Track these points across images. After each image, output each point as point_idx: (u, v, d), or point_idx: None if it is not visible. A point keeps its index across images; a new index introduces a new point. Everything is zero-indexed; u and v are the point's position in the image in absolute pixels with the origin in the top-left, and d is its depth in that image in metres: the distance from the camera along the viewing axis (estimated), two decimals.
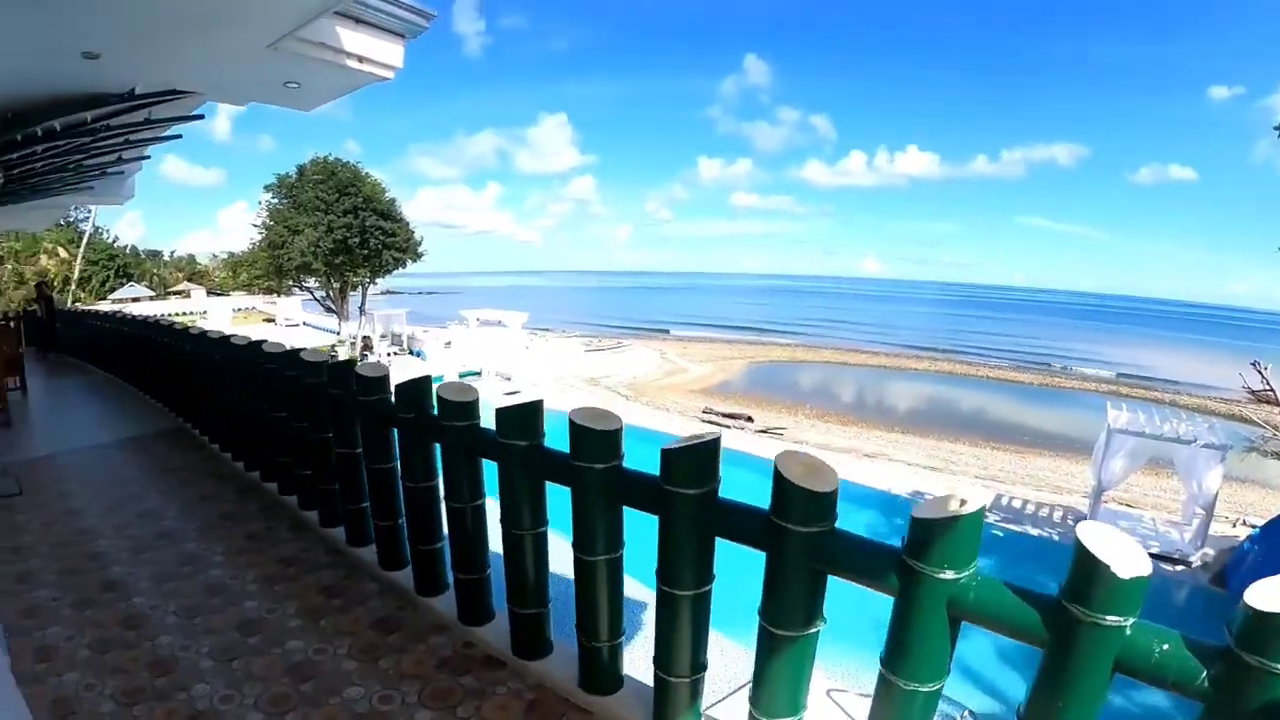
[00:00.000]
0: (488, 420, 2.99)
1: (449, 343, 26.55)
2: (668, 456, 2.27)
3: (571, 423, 2.51)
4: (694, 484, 2.24)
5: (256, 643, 3.23)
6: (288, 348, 4.68)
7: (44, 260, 39.93)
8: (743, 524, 2.18)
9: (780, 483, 1.98)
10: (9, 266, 36.33)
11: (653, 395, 24.34)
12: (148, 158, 9.46)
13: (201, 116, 6.87)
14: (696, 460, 2.23)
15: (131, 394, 10.29)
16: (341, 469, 4.13)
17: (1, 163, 6.73)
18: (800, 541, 1.99)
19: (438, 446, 3.26)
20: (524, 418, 2.82)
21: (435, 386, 3.22)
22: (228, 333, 6.08)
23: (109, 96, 5.61)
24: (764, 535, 2.08)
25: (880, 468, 14.24)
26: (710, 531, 2.30)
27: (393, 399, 3.55)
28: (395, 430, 3.59)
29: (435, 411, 3.20)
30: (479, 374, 22.91)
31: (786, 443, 16.68)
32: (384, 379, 3.69)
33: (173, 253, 64.50)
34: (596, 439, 2.49)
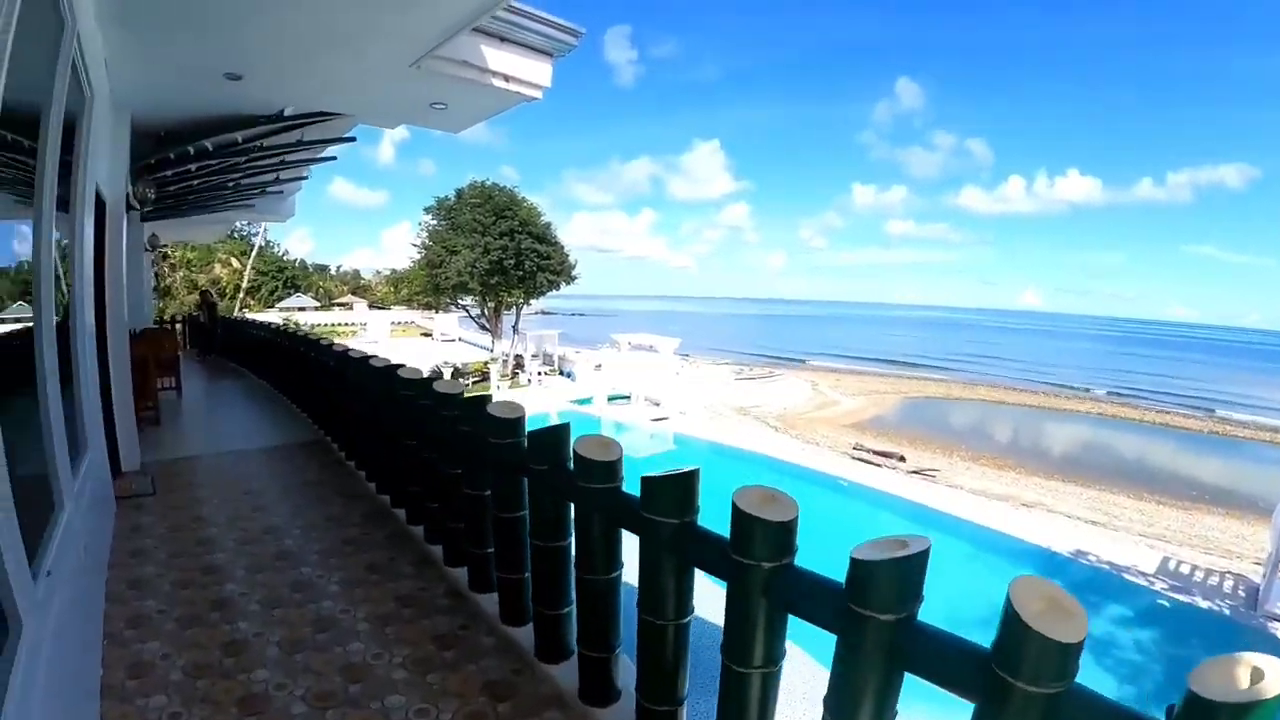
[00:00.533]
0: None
1: (599, 365, 26.75)
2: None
3: (735, 509, 2.01)
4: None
5: (356, 692, 2.96)
6: (425, 374, 4.51)
7: (218, 269, 43.65)
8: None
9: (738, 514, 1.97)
10: (181, 274, 39.51)
11: (803, 428, 23.62)
12: (306, 178, 9.88)
13: (353, 139, 7.02)
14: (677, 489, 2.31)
15: (280, 402, 10.56)
16: (467, 510, 3.84)
17: (156, 179, 7.21)
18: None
19: (571, 505, 2.88)
20: (678, 490, 2.34)
21: (575, 441, 2.79)
22: (370, 352, 6.04)
23: (258, 118, 5.85)
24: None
25: (1038, 519, 13.20)
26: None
27: (525, 444, 3.17)
28: (525, 479, 3.22)
29: (571, 466, 2.80)
30: (628, 398, 22.92)
31: (940, 486, 15.66)
32: (516, 422, 3.31)
33: (339, 267, 69.78)
34: (766, 529, 1.97)
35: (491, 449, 3.38)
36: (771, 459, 15.81)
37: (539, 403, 22.38)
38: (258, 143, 6.48)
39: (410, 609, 3.77)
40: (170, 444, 7.71)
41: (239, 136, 6.10)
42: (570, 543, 2.96)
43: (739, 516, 1.97)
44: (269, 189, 10.13)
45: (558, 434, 2.99)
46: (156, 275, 36.04)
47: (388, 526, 5.09)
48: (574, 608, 3.01)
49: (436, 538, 4.44)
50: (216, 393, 12.32)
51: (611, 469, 2.63)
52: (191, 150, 6.45)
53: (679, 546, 2.32)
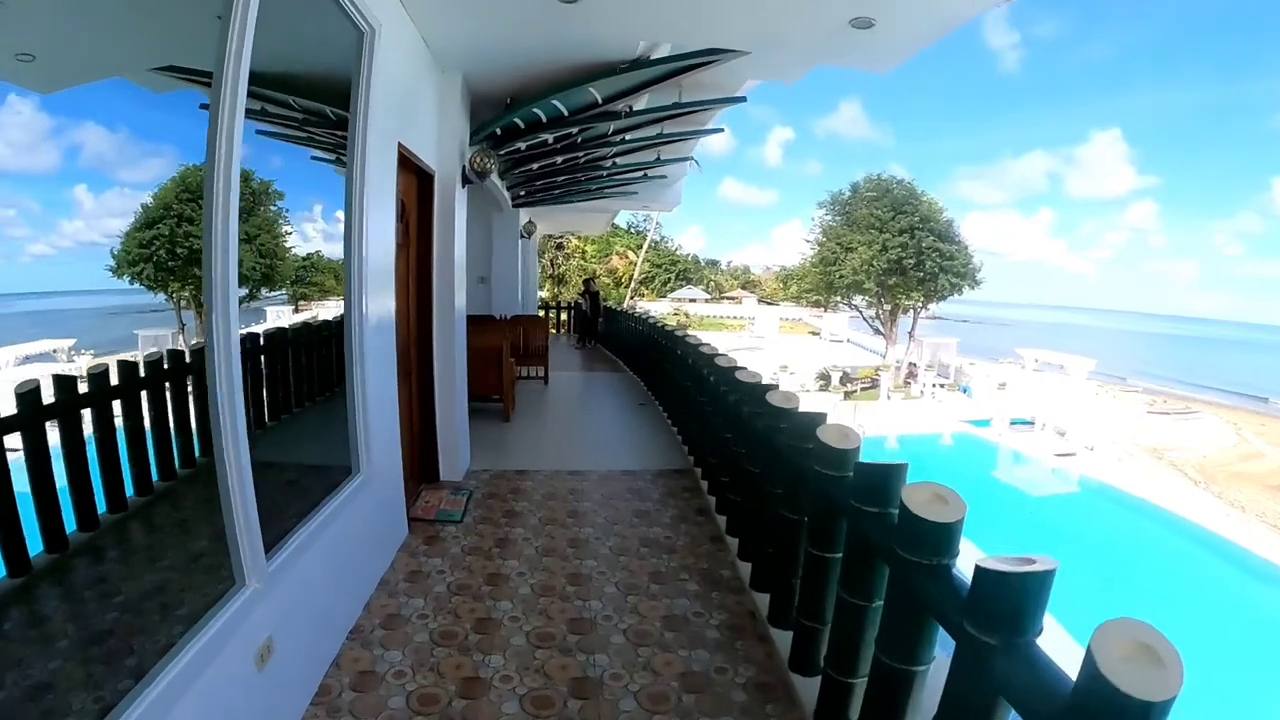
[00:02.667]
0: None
1: (1004, 384, 23.83)
2: None
3: None
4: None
5: None
6: (813, 376, 3.90)
7: (615, 260, 47.44)
8: None
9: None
10: (575, 262, 43.46)
11: (1224, 483, 18.23)
12: (690, 160, 9.64)
13: (742, 99, 6.33)
14: None
15: (649, 408, 9.45)
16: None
17: (510, 154, 7.06)
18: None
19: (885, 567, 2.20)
20: (1022, 595, 1.56)
21: (905, 488, 2.05)
22: (742, 362, 5.20)
23: (616, 65, 4.98)
24: None
25: None
26: None
27: (851, 478, 2.52)
28: (844, 522, 2.57)
29: (896, 519, 2.12)
30: (1031, 424, 19.80)
31: None
32: (847, 453, 2.64)
33: (729, 262, 72.15)
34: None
35: (814, 477, 2.80)
36: (1192, 525, 12.06)
37: (931, 420, 20.46)
38: (623, 106, 5.99)
39: None
40: (513, 448, 7.11)
41: (596, 94, 5.59)
42: (879, 605, 2.32)
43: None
44: (650, 172, 10.04)
45: (889, 474, 2.30)
46: (551, 263, 40.49)
47: (730, 602, 3.84)
48: (865, 681, 2.35)
49: (780, 616, 3.44)
50: (584, 388, 11.65)
51: (941, 539, 1.91)
52: (542, 115, 5.90)
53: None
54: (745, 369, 4.63)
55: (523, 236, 13.27)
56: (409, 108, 4.35)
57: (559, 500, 5.42)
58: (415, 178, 4.96)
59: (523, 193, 10.92)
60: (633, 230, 53.16)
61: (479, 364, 7.60)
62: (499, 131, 6.17)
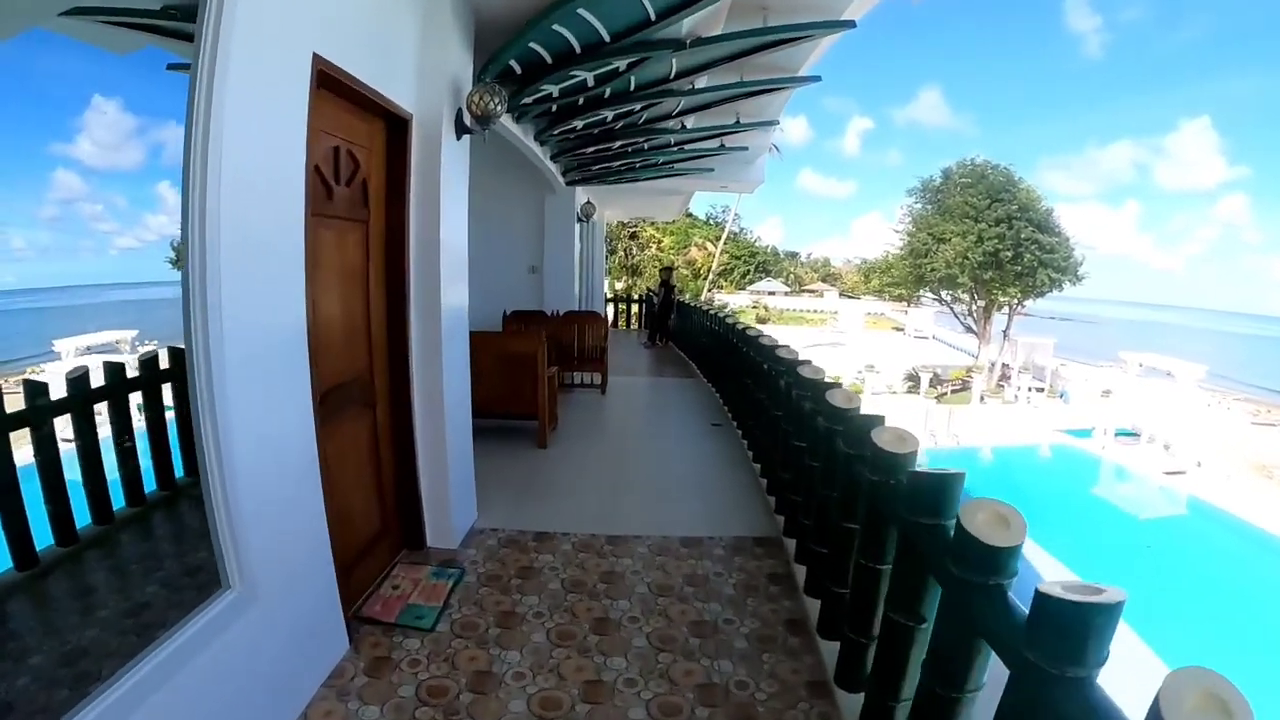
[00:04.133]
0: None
1: (1108, 391, 21.96)
2: None
3: None
4: None
5: None
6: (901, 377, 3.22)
7: (693, 251, 46.65)
8: None
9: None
10: (650, 252, 42.47)
11: None
12: (774, 125, 8.65)
13: (817, 79, 5.50)
14: None
15: (727, 432, 7.70)
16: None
17: (538, 101, 5.55)
18: None
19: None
20: (1085, 626, 1.41)
21: (964, 506, 1.88)
22: (823, 362, 4.74)
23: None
24: None
25: None
26: None
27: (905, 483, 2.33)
28: (895, 531, 2.40)
29: (950, 533, 1.96)
30: (1136, 435, 18.07)
31: None
32: (903, 457, 2.48)
33: (808, 254, 70.90)
34: None
35: (867, 484, 2.66)
36: None
37: (1026, 428, 19.08)
38: (686, 33, 4.79)
39: None
40: (541, 494, 5.50)
41: (647, 3, 4.23)
42: (928, 627, 2.17)
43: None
44: (728, 140, 9.04)
45: (945, 483, 2.14)
46: (626, 253, 39.60)
47: None
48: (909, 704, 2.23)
49: None
50: (647, 400, 9.87)
51: (998, 560, 1.76)
52: (571, 39, 4.35)
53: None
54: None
55: (580, 220, 11.84)
56: (351, 11, 3.09)
57: (585, 592, 3.83)
58: (380, 123, 3.65)
59: (573, 163, 9.56)
60: (710, 221, 52.57)
61: (508, 375, 6.58)
62: (517, 68, 4.76)
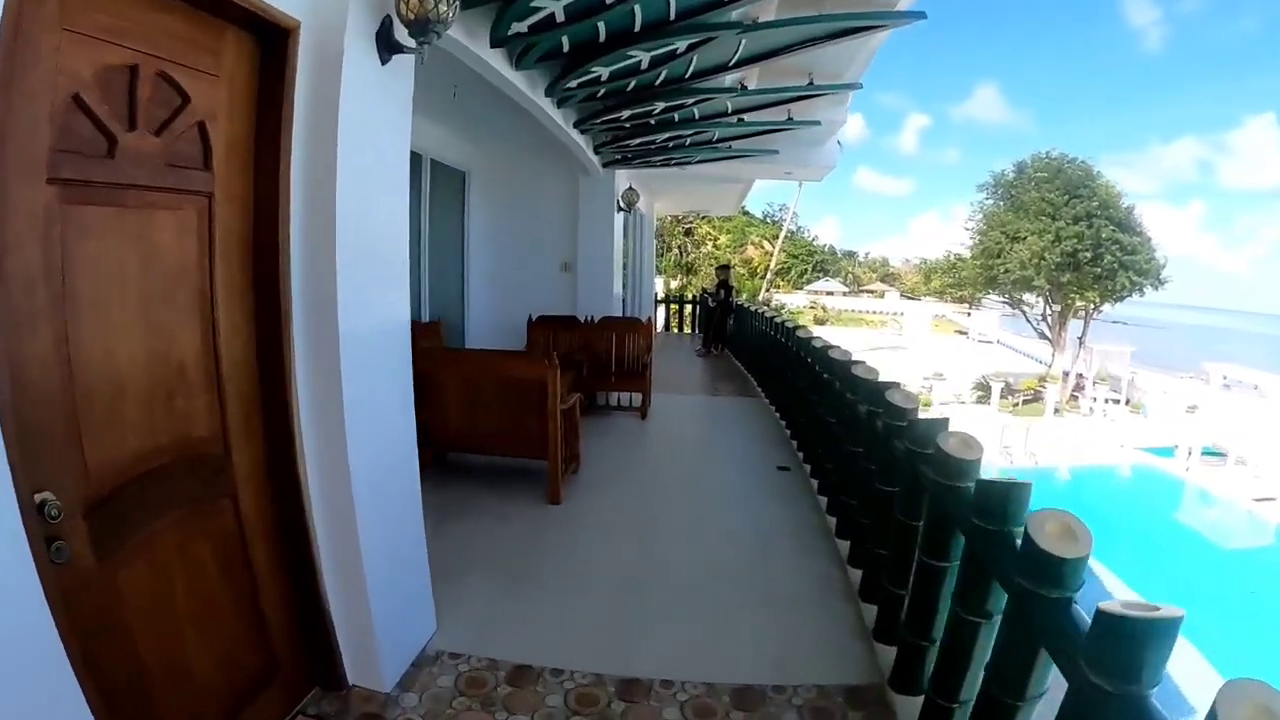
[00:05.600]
0: None
1: (1194, 406, 19.70)
2: None
3: None
4: None
5: None
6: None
7: (749, 250, 44.92)
8: None
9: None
10: (706, 248, 40.42)
11: None
12: (857, 87, 6.86)
13: (922, 15, 4.04)
14: None
15: (796, 480, 5.79)
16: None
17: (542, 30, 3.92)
18: None
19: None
20: (1143, 642, 1.40)
21: (1031, 517, 1.78)
22: (885, 367, 3.34)
23: None
24: None
25: None
26: None
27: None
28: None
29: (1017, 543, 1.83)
30: (1221, 456, 16.17)
31: None
32: (968, 464, 2.33)
33: (866, 254, 69.33)
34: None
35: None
36: None
37: (1102, 445, 17.20)
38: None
39: None
40: (535, 584, 3.83)
41: None
42: (995, 622, 2.05)
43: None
44: (796, 113, 7.38)
45: (1013, 493, 2.04)
46: (680, 251, 37.67)
47: None
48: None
49: None
50: (697, 429, 7.87)
51: (1063, 573, 1.69)
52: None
53: None
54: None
55: (621, 209, 9.95)
56: None
57: None
58: (236, 34, 2.22)
59: (607, 134, 7.72)
60: (768, 219, 50.85)
61: (510, 406, 4.97)
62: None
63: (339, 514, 2.60)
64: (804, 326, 6.73)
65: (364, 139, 2.52)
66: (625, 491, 5.42)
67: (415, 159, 7.68)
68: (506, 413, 4.95)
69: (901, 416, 3.10)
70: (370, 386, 2.68)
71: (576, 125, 6.21)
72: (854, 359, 4.17)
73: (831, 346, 4.93)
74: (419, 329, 7.59)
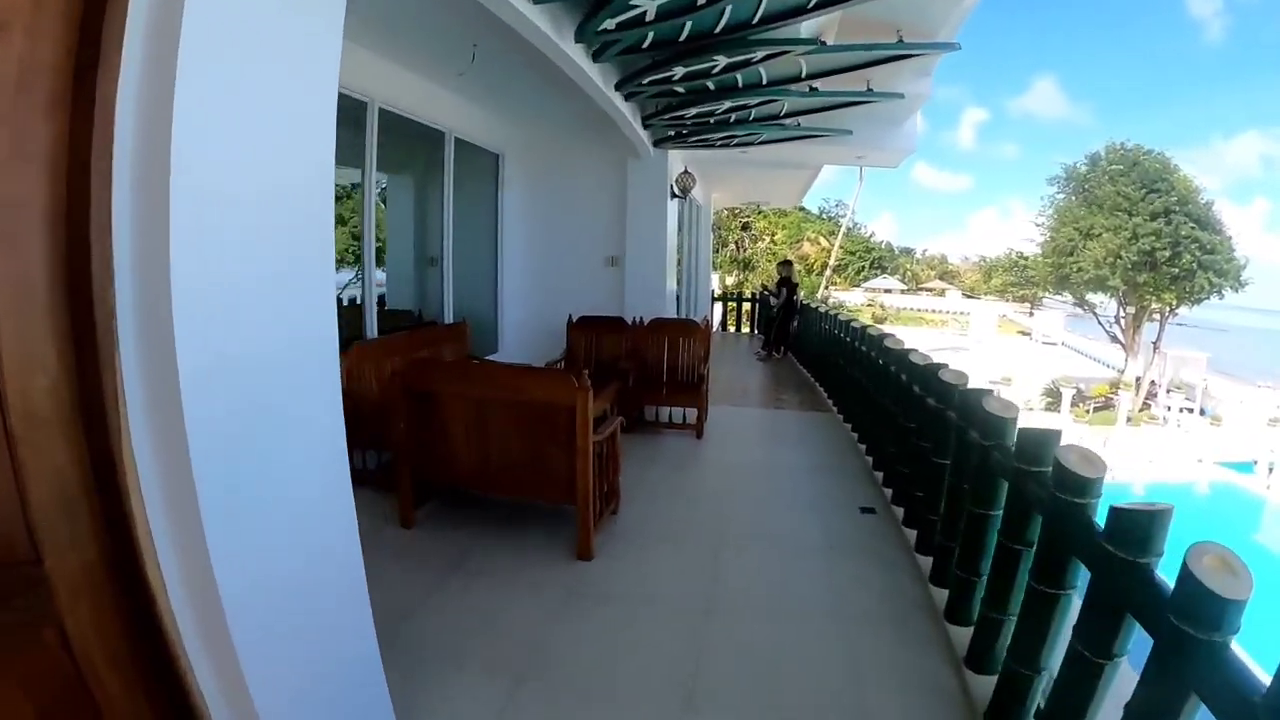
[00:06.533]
0: None
1: (1277, 419, 18.33)
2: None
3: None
4: None
5: None
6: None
7: (806, 246, 43.56)
8: None
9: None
10: (764, 244, 38.97)
11: None
12: (954, 47, 5.78)
13: None
14: None
15: (884, 525, 4.55)
16: None
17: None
18: None
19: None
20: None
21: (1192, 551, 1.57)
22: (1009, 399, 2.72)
23: None
24: None
25: None
26: None
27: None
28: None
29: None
30: None
31: None
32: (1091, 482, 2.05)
33: (924, 251, 67.92)
34: None
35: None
36: None
37: (1178, 460, 16.06)
38: None
39: None
40: (551, 687, 2.76)
41: None
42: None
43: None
44: (875, 84, 6.27)
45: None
46: (738, 246, 36.26)
47: None
48: None
49: None
50: (760, 453, 6.49)
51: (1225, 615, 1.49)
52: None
53: None
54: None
55: (675, 195, 9.04)
56: None
57: None
58: None
59: (657, 106, 6.89)
60: (824, 216, 49.43)
61: (528, 436, 3.94)
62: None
63: (211, 631, 1.64)
64: (892, 335, 5.53)
65: (231, 52, 1.54)
66: (672, 542, 4.24)
67: (437, 136, 6.97)
68: (525, 444, 3.93)
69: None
70: (254, 455, 1.67)
71: (619, 87, 5.18)
72: (981, 388, 3.09)
73: (940, 366, 3.82)
74: (441, 331, 6.78)
